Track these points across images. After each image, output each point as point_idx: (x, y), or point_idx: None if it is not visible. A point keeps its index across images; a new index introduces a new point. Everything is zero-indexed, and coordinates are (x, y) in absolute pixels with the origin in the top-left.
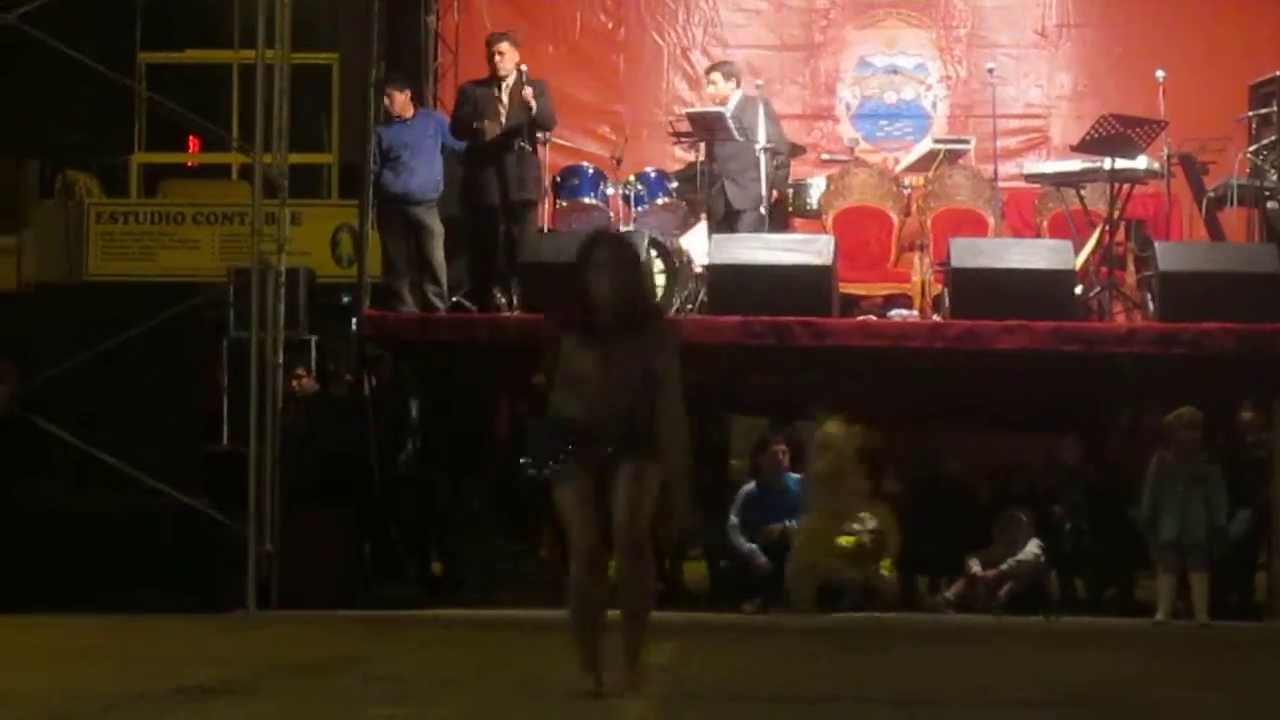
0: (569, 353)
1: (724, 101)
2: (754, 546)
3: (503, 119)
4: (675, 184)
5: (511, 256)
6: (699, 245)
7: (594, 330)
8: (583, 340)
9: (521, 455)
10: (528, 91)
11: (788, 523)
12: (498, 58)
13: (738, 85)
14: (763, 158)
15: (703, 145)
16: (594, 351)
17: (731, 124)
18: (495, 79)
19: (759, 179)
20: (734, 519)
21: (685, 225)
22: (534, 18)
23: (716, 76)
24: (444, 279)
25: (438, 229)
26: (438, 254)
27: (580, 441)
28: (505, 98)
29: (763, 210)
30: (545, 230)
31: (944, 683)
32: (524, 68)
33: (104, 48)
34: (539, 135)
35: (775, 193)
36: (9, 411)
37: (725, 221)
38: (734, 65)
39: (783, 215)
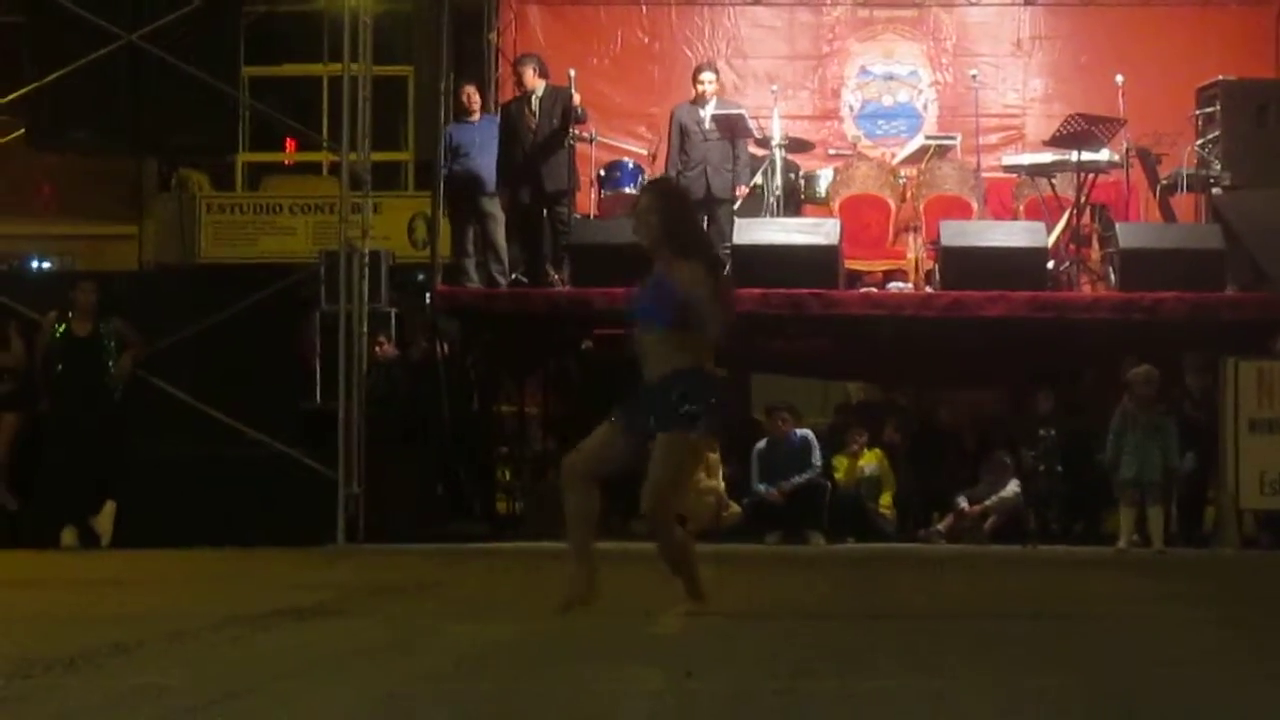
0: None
1: (711, 97)
2: (770, 488)
3: (533, 126)
4: None
5: (555, 238)
6: None
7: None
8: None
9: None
10: (576, 97)
11: (796, 478)
12: (522, 75)
13: (721, 88)
14: (777, 154)
15: (674, 129)
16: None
17: (751, 124)
18: (526, 94)
19: (732, 170)
20: (755, 472)
21: None
22: (581, 35)
23: (710, 76)
24: (505, 259)
25: (499, 215)
26: (500, 237)
27: (638, 395)
28: (535, 108)
29: (774, 197)
30: (592, 217)
31: (940, 601)
32: (572, 73)
33: (213, 63)
34: (576, 133)
35: (743, 187)
36: (133, 374)
37: (704, 205)
38: (717, 67)
39: (756, 207)
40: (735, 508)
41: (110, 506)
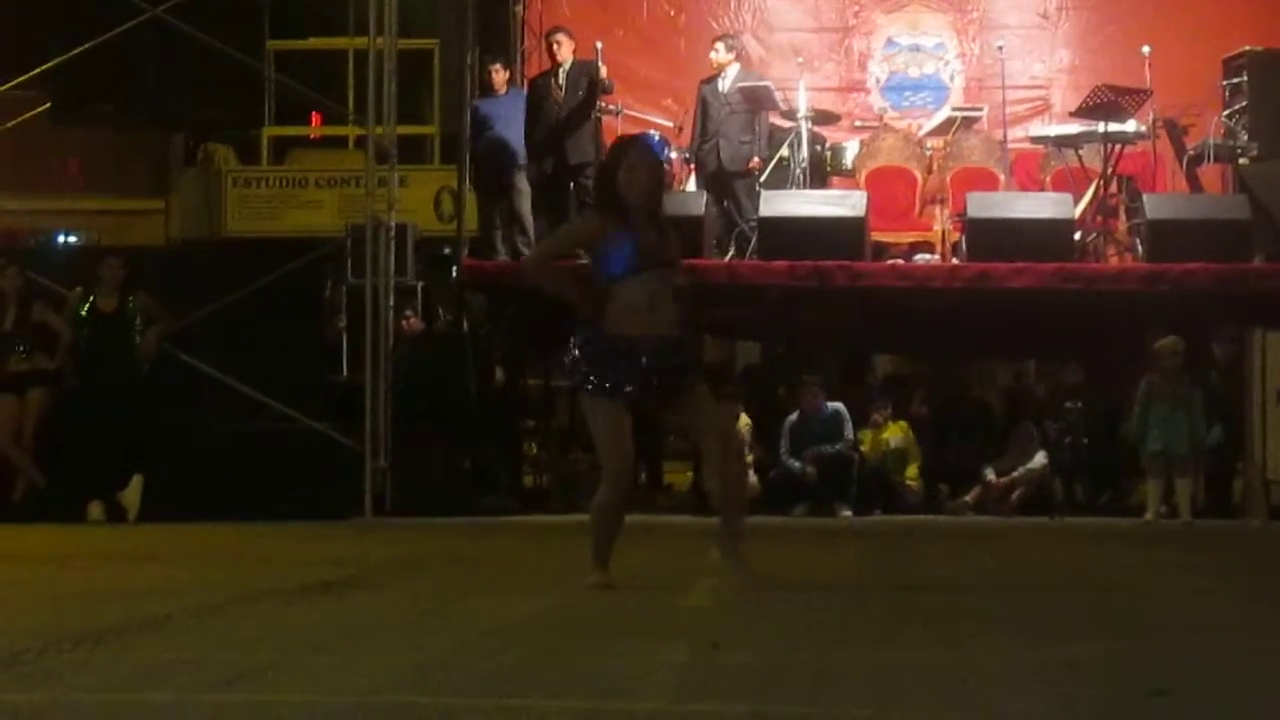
0: (580, 222)
1: (722, 69)
2: (801, 464)
3: (559, 100)
4: None
5: (581, 211)
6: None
7: (629, 223)
8: (619, 229)
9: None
10: (603, 69)
11: (825, 448)
12: (555, 46)
13: (737, 58)
14: (803, 126)
15: (698, 104)
16: (631, 240)
17: (776, 96)
18: (554, 66)
19: (750, 143)
20: (784, 444)
21: None
22: (607, 7)
23: (720, 46)
24: (531, 231)
25: (525, 189)
26: (525, 209)
27: (623, 358)
28: (562, 81)
29: (800, 170)
30: None
31: (968, 573)
32: (599, 45)
33: (238, 38)
34: (603, 105)
35: (758, 159)
36: (160, 349)
37: (715, 178)
38: (737, 40)
39: (782, 180)
40: (754, 482)
41: (137, 481)
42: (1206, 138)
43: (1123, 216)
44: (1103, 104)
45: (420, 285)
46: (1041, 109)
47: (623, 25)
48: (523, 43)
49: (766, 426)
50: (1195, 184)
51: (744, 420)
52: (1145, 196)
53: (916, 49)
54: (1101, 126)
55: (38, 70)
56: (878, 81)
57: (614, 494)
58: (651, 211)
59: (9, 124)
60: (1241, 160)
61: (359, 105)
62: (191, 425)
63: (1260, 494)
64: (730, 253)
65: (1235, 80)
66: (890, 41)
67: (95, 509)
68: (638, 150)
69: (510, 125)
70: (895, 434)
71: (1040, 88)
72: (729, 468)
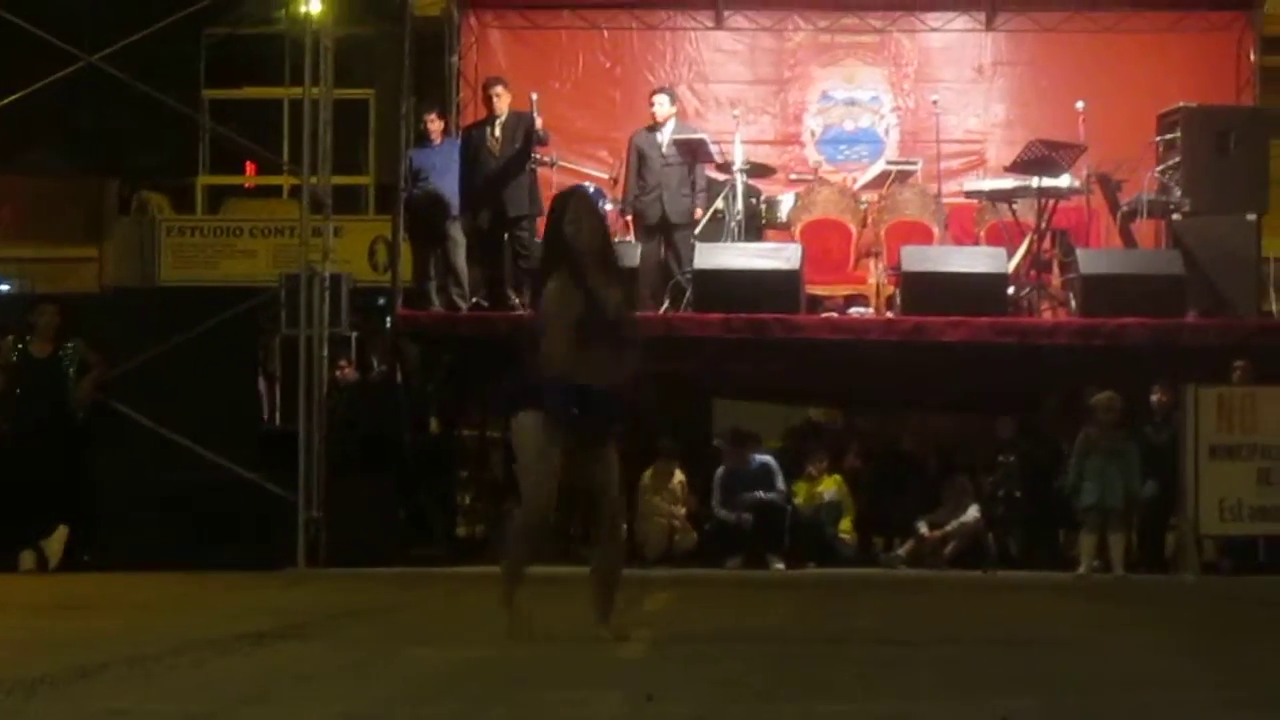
0: (558, 294)
1: (665, 121)
2: (735, 513)
3: (496, 151)
4: None
5: (516, 262)
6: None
7: (583, 281)
8: (572, 281)
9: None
10: (538, 120)
11: (759, 493)
12: (495, 99)
13: (676, 112)
14: (739, 179)
15: (632, 155)
16: (580, 291)
17: (713, 149)
18: (490, 117)
19: (690, 195)
20: (715, 497)
21: None
22: (543, 58)
23: (664, 99)
24: (466, 282)
25: (460, 239)
26: (460, 261)
27: (557, 394)
28: (499, 133)
29: (735, 222)
30: None
31: (901, 626)
32: (534, 96)
33: (174, 86)
34: (538, 156)
35: (699, 211)
36: (94, 397)
37: (659, 230)
38: (676, 92)
39: (718, 232)
40: (691, 533)
41: (62, 531)
42: (1141, 193)
43: (1056, 271)
44: (1037, 158)
45: (355, 335)
46: (976, 163)
47: (558, 76)
48: (458, 93)
49: (700, 481)
50: (1129, 239)
51: (678, 476)
52: (1079, 251)
53: (852, 102)
54: (1036, 181)
55: None
56: (813, 134)
57: (531, 518)
58: (603, 258)
59: None
60: (1175, 216)
61: (294, 154)
62: (125, 474)
63: (1193, 548)
64: (665, 305)
65: (1170, 136)
66: (826, 95)
67: (27, 558)
68: (579, 200)
69: (445, 175)
70: (830, 487)
71: (975, 142)
72: (609, 549)
